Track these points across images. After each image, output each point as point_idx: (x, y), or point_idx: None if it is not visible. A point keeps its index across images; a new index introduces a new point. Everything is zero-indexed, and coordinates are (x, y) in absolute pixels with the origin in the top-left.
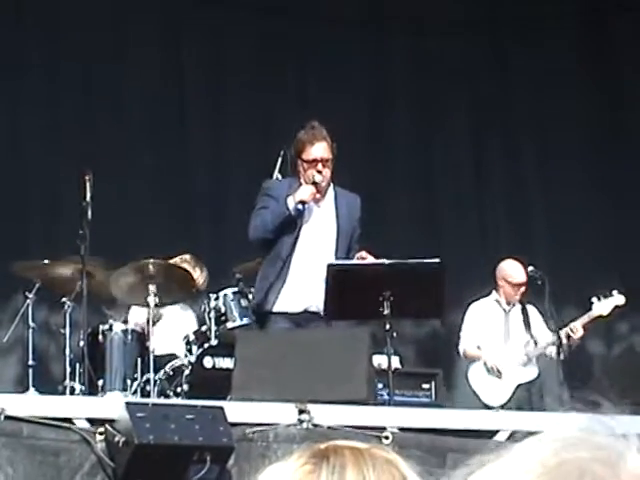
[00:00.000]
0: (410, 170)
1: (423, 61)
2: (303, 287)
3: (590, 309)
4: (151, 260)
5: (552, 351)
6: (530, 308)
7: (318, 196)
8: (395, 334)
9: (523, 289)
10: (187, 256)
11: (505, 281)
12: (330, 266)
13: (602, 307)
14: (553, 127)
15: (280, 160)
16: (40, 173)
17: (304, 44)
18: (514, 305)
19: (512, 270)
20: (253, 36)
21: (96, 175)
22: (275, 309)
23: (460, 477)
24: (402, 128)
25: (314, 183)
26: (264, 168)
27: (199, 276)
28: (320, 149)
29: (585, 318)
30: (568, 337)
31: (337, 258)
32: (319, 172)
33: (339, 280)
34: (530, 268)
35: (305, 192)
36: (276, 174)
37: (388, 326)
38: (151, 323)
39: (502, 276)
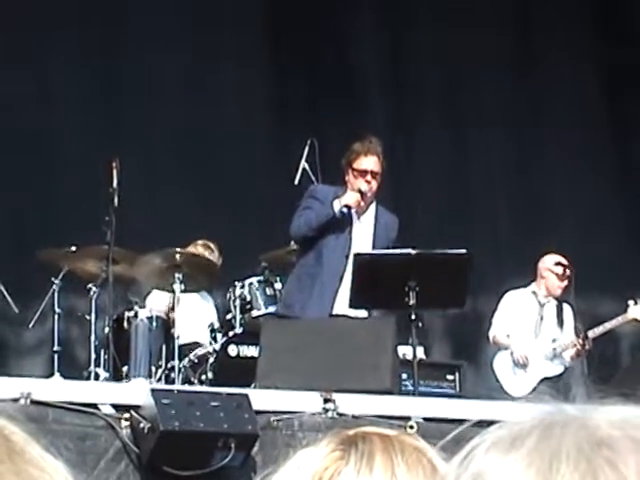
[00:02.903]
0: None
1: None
2: (339, 294)
3: (625, 312)
4: (178, 250)
5: (568, 355)
6: (566, 307)
7: (362, 204)
8: (420, 324)
9: (566, 283)
10: (200, 241)
11: (550, 271)
12: (357, 255)
13: (638, 310)
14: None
15: (307, 150)
16: (68, 160)
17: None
18: (549, 301)
19: (558, 262)
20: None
21: (123, 162)
22: (308, 314)
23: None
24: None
25: (360, 192)
26: (289, 157)
27: (217, 259)
28: (372, 162)
29: (619, 320)
30: (577, 347)
31: None
32: (367, 182)
33: (365, 270)
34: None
35: (351, 197)
36: (302, 163)
37: (414, 316)
38: (176, 310)
39: (547, 267)
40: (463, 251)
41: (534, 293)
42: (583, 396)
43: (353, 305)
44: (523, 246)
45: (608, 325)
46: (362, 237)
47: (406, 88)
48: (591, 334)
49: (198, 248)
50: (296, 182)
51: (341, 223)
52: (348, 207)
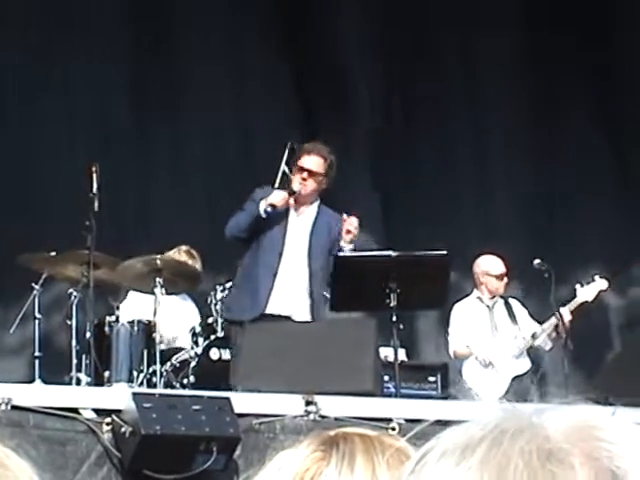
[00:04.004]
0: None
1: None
2: (274, 292)
3: (574, 296)
4: (159, 256)
5: (542, 343)
6: (513, 302)
7: (291, 202)
8: (402, 326)
9: (506, 280)
10: (184, 247)
11: (488, 275)
12: (337, 257)
13: (586, 293)
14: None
15: (287, 153)
16: (49, 165)
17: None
18: (496, 301)
19: (492, 263)
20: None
21: (104, 167)
22: (245, 315)
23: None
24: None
25: (292, 191)
26: (271, 162)
27: (199, 266)
28: (313, 161)
29: (571, 305)
30: (557, 325)
31: (311, 269)
32: (303, 180)
33: (346, 272)
34: (537, 261)
35: (277, 196)
36: (283, 167)
37: (395, 318)
38: (157, 315)
39: (484, 271)
40: (443, 252)
41: (479, 298)
42: (558, 391)
43: (335, 308)
44: (507, 246)
45: (565, 310)
46: (298, 236)
47: (393, 87)
48: (563, 312)
49: (181, 254)
50: (276, 186)
51: (274, 223)
52: (273, 206)
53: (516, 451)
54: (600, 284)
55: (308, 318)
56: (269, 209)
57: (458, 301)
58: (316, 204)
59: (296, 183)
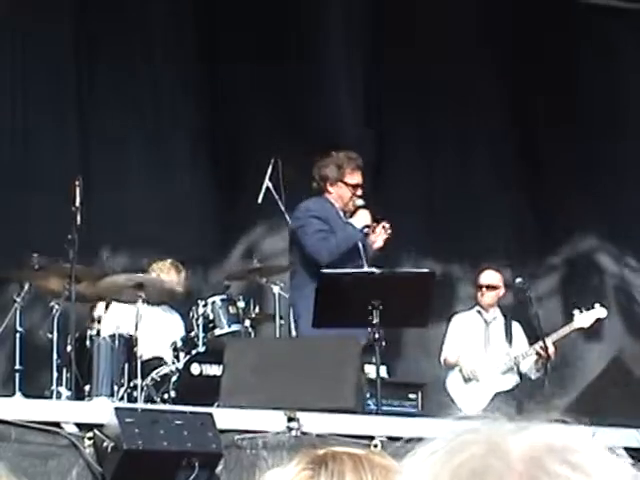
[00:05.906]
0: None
1: None
2: None
3: (572, 320)
4: (142, 275)
5: (528, 371)
6: (514, 323)
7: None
8: (384, 343)
9: (498, 293)
10: (168, 261)
11: (480, 287)
12: (322, 275)
13: (583, 319)
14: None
15: (271, 168)
16: (35, 176)
17: None
18: (496, 317)
19: (485, 275)
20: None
21: (89, 180)
22: None
23: None
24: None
25: (363, 207)
26: (252, 177)
27: (182, 280)
28: (361, 175)
29: (566, 329)
30: (539, 354)
31: None
32: (359, 196)
33: (330, 288)
34: (518, 280)
35: (367, 217)
36: (266, 182)
37: (377, 335)
38: (138, 329)
39: (478, 284)
40: (426, 270)
41: (479, 312)
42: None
43: (317, 324)
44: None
45: (555, 336)
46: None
47: (374, 93)
48: (548, 341)
49: (167, 269)
50: (259, 201)
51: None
52: (368, 226)
53: (450, 465)
54: (599, 312)
55: None
56: (366, 230)
57: (458, 313)
58: None
59: (359, 200)
